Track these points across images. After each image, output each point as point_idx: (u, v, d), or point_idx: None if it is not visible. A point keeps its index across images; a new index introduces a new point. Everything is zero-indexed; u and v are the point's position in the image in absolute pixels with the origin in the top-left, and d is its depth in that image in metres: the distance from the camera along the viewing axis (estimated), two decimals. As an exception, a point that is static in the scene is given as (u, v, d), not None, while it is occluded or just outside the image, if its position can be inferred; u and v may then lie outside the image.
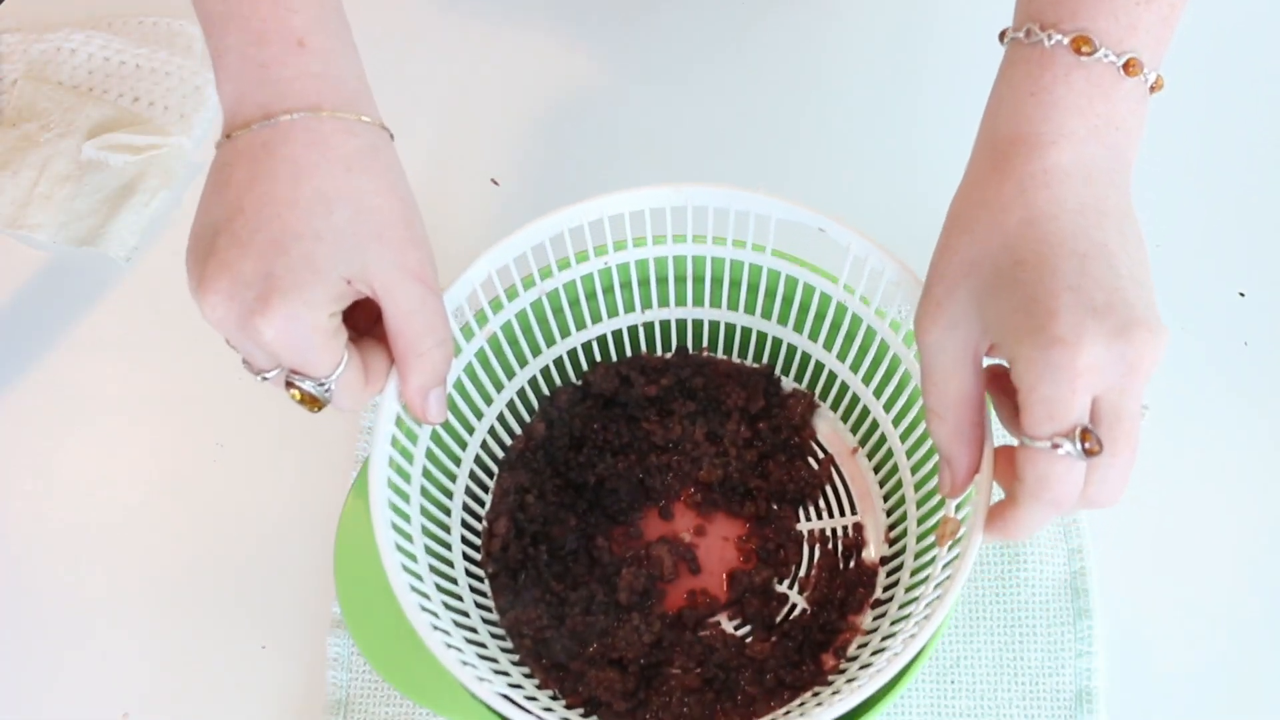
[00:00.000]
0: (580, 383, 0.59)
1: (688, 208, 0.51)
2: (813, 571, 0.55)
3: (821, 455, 0.58)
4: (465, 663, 0.43)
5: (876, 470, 0.56)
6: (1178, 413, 0.61)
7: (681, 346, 0.59)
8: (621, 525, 0.57)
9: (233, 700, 0.58)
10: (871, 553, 0.55)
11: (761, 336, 0.57)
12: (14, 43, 0.73)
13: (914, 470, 0.52)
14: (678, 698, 0.51)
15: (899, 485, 0.53)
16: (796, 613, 0.55)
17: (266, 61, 0.42)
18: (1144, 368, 0.36)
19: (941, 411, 0.42)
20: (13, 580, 0.61)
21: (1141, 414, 0.38)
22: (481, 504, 0.56)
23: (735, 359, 0.59)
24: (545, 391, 0.58)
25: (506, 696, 0.43)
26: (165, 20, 0.73)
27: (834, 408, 0.58)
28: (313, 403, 0.42)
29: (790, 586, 0.56)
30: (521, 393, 0.57)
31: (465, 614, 0.50)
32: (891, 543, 0.54)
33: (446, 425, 0.52)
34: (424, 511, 0.50)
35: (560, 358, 0.57)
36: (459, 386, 0.52)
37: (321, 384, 0.42)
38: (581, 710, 0.51)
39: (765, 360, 0.59)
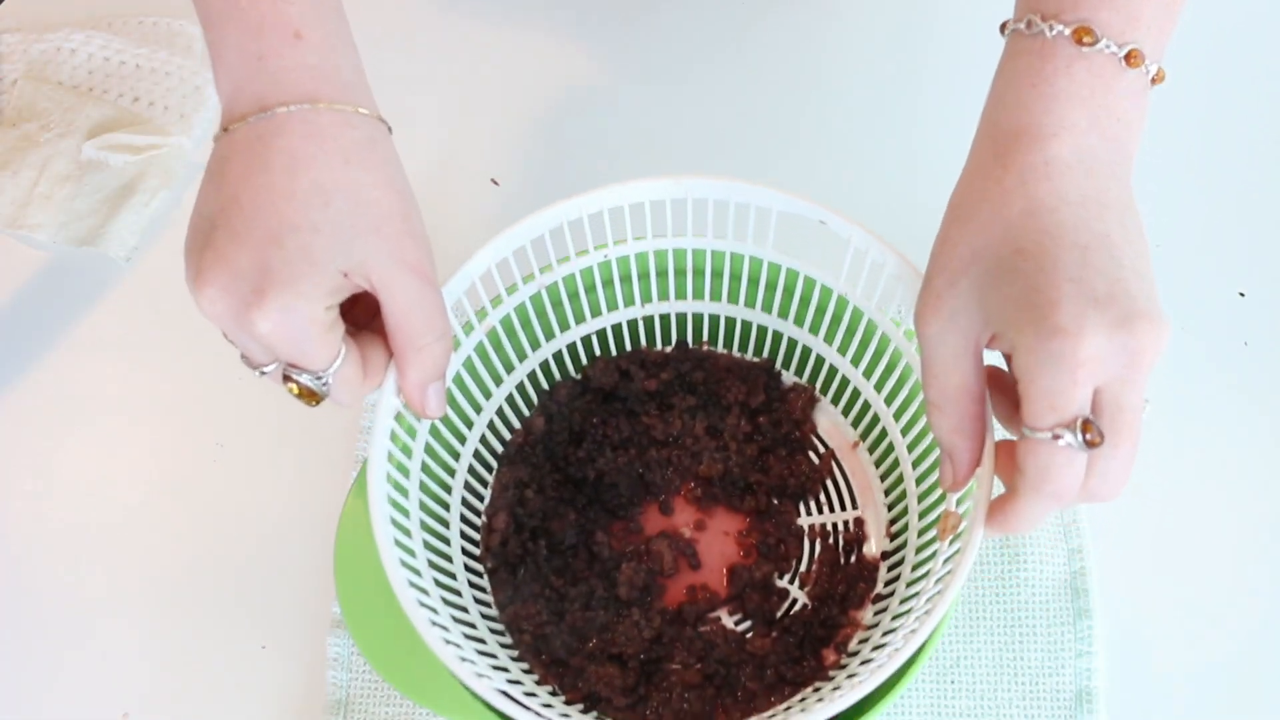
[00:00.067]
0: (580, 377, 0.59)
1: (687, 201, 0.51)
2: (813, 566, 0.55)
3: (822, 449, 0.58)
4: (464, 659, 0.43)
5: (877, 464, 0.56)
6: (1178, 412, 0.61)
7: (681, 340, 0.59)
8: (621, 520, 0.57)
9: (233, 700, 0.58)
10: (872, 547, 0.55)
11: (762, 330, 0.57)
12: (14, 43, 0.73)
13: (915, 464, 0.52)
14: (678, 693, 0.51)
15: (900, 480, 0.53)
16: (797, 608, 0.54)
17: (263, 54, 0.42)
18: (1146, 359, 0.36)
19: (942, 404, 0.42)
20: (13, 580, 0.61)
21: (1143, 406, 0.38)
22: (481, 499, 0.56)
23: (735, 353, 0.59)
24: (545, 386, 0.58)
25: (505, 693, 0.43)
26: (165, 20, 0.73)
27: (835, 402, 0.58)
28: (310, 397, 0.42)
29: (791, 582, 0.55)
30: (521, 387, 0.57)
31: (464, 609, 0.50)
32: (892, 537, 0.54)
33: (445, 420, 0.52)
34: (423, 506, 0.50)
35: (560, 352, 0.57)
36: (458, 381, 0.52)
37: (319, 377, 0.42)
38: (581, 706, 0.51)
39: (766, 354, 0.59)
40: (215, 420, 0.64)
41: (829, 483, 0.57)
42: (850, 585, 0.53)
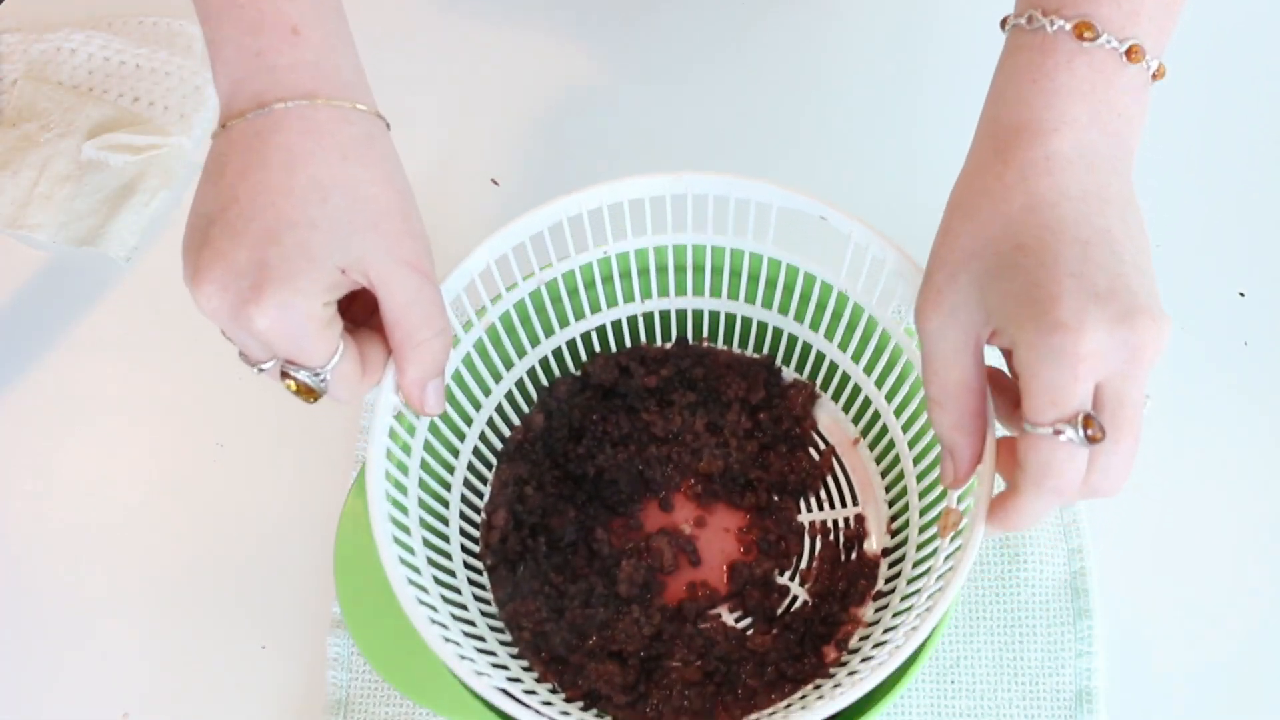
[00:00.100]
0: (579, 373, 0.59)
1: (687, 197, 0.51)
2: (814, 563, 0.55)
3: (823, 446, 0.58)
4: (463, 656, 0.43)
5: (878, 461, 0.56)
6: (1178, 413, 0.61)
7: (681, 337, 0.59)
8: (621, 517, 0.57)
9: (233, 700, 0.58)
10: (873, 544, 0.55)
11: (762, 326, 0.57)
12: (14, 43, 0.73)
13: (916, 461, 0.52)
14: (678, 691, 0.51)
15: (900, 476, 0.53)
16: (798, 605, 0.54)
17: (261, 50, 0.41)
18: (1147, 355, 0.36)
19: (943, 400, 0.42)
20: (13, 580, 0.61)
21: (1145, 402, 0.38)
22: (480, 496, 0.56)
23: (735, 349, 0.59)
24: (544, 382, 0.58)
25: (505, 690, 0.43)
26: (165, 20, 0.74)
27: (835, 398, 0.57)
28: (308, 393, 0.42)
29: (791, 578, 0.55)
30: (520, 384, 0.57)
31: (464, 607, 0.50)
32: (893, 534, 0.54)
33: (444, 417, 0.52)
34: (422, 504, 0.50)
35: (559, 348, 0.57)
36: (457, 377, 0.52)
37: (317, 374, 0.42)
38: (581, 704, 0.50)
39: (766, 350, 0.58)
40: (215, 420, 0.64)
41: (829, 479, 0.57)
42: (851, 582, 0.53)
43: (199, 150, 0.71)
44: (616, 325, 0.58)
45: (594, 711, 0.50)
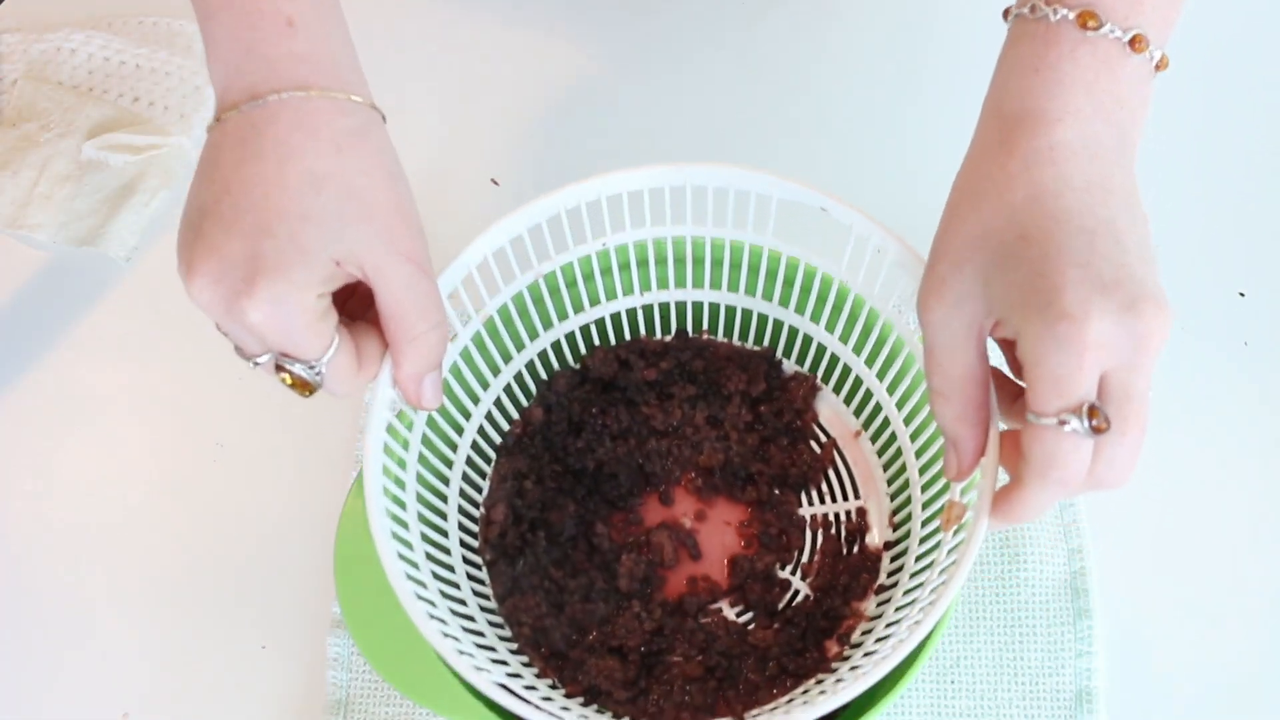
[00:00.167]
0: (579, 367, 0.58)
1: (686, 188, 0.50)
2: (815, 557, 0.55)
3: (824, 439, 0.57)
4: (462, 651, 0.43)
5: (880, 454, 0.55)
6: (1178, 413, 0.60)
7: (681, 329, 0.59)
8: (621, 511, 0.56)
9: (233, 700, 0.57)
10: (875, 538, 0.54)
11: (763, 319, 0.57)
12: (14, 43, 0.73)
13: (918, 454, 0.51)
14: (679, 686, 0.50)
15: (903, 469, 0.53)
16: (799, 599, 0.54)
17: (255, 41, 0.41)
18: (1153, 344, 0.36)
19: (946, 392, 0.41)
20: (13, 580, 0.61)
21: (1150, 393, 0.37)
22: (479, 490, 0.56)
23: (736, 342, 0.59)
24: (543, 376, 0.58)
25: (504, 686, 0.43)
26: (165, 20, 0.74)
27: (836, 390, 0.57)
28: (304, 387, 0.42)
29: (793, 572, 0.55)
30: (519, 377, 0.56)
31: (462, 602, 0.50)
32: (895, 527, 0.54)
33: (443, 411, 0.52)
34: (420, 499, 0.50)
35: (558, 341, 0.57)
36: (455, 371, 0.52)
37: (312, 367, 0.41)
38: (581, 699, 0.50)
39: (766, 343, 0.58)
40: (215, 420, 0.64)
41: (831, 472, 0.57)
42: (853, 576, 0.53)
43: (199, 150, 0.71)
44: (616, 318, 0.57)
45: (594, 707, 0.50)
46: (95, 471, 0.63)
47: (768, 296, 0.55)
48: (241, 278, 0.39)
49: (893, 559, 0.53)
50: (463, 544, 0.53)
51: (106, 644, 0.59)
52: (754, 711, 0.49)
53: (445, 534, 0.52)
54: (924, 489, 0.51)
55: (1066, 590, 0.57)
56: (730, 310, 0.57)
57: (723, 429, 0.57)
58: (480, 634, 0.49)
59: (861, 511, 0.55)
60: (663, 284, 0.56)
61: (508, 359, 0.55)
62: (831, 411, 0.58)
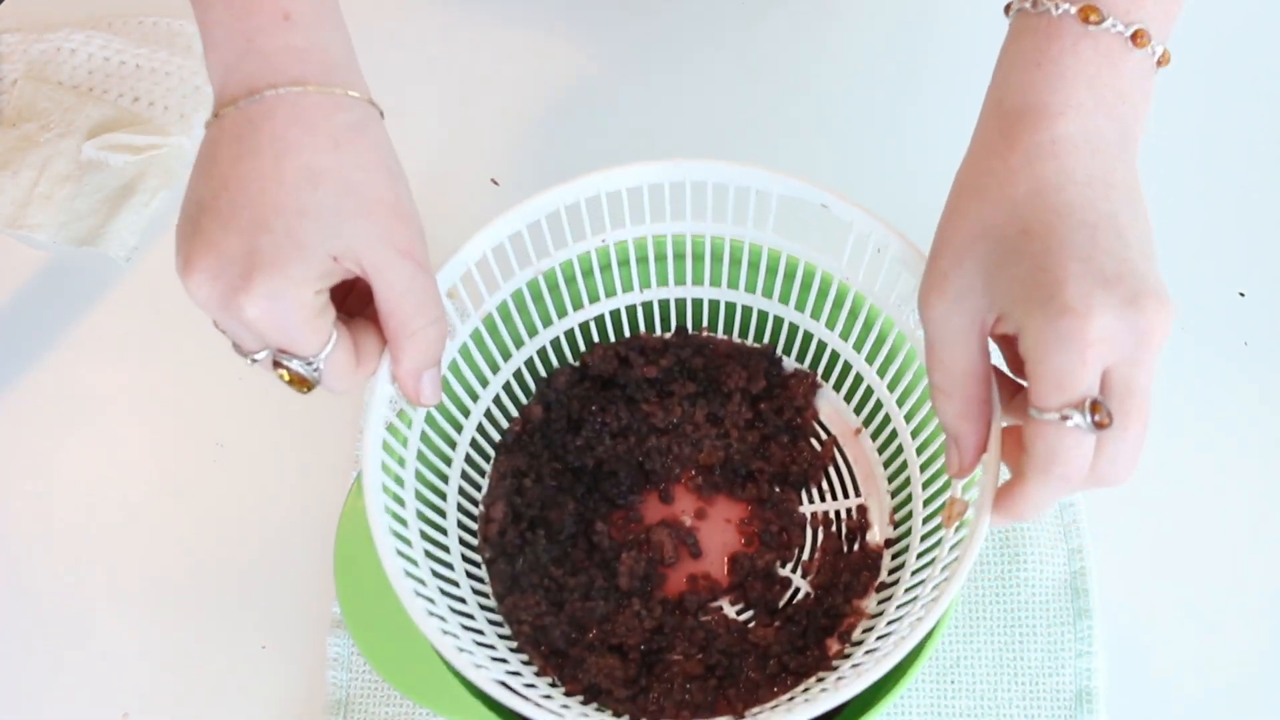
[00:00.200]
0: (578, 364, 0.58)
1: (686, 185, 0.50)
2: (816, 555, 0.54)
3: (824, 436, 0.57)
4: (461, 649, 0.43)
5: (880, 451, 0.55)
6: (1178, 413, 0.60)
7: (681, 326, 0.58)
8: (621, 509, 0.56)
9: (233, 700, 0.57)
10: (876, 535, 0.54)
11: (763, 316, 0.57)
12: (14, 43, 0.73)
13: (919, 451, 0.51)
14: (679, 684, 0.50)
15: (904, 466, 0.52)
16: (800, 597, 0.54)
17: (252, 35, 0.41)
18: (1155, 339, 0.36)
19: (948, 388, 0.41)
20: (13, 580, 0.61)
21: (1152, 388, 0.37)
22: (478, 488, 0.56)
23: (736, 339, 0.59)
24: (542, 373, 0.58)
25: (504, 683, 0.43)
26: (165, 20, 0.74)
27: (837, 388, 0.57)
28: (301, 383, 0.42)
29: (793, 570, 0.55)
30: (518, 374, 0.56)
31: (462, 600, 0.49)
32: (896, 525, 0.53)
33: (441, 408, 0.52)
34: (419, 496, 0.50)
35: (557, 338, 0.57)
36: (454, 368, 0.52)
37: (310, 363, 0.41)
38: (581, 698, 0.50)
39: (766, 340, 0.58)
40: (215, 420, 0.64)
41: (831, 470, 0.56)
42: (854, 574, 0.52)
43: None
44: (615, 315, 0.57)
45: (594, 705, 0.50)
46: (95, 471, 0.63)
47: (768, 293, 0.55)
48: (239, 273, 0.39)
49: (894, 556, 0.53)
50: (462, 542, 0.53)
51: (106, 644, 0.59)
52: (754, 710, 0.49)
53: (444, 532, 0.52)
54: (925, 486, 0.51)
55: (1066, 590, 0.57)
56: (730, 307, 0.57)
57: (723, 426, 0.57)
58: (480, 632, 0.49)
59: (862, 509, 0.55)
60: (662, 281, 0.56)
61: (507, 356, 0.55)
62: (832, 409, 0.57)
